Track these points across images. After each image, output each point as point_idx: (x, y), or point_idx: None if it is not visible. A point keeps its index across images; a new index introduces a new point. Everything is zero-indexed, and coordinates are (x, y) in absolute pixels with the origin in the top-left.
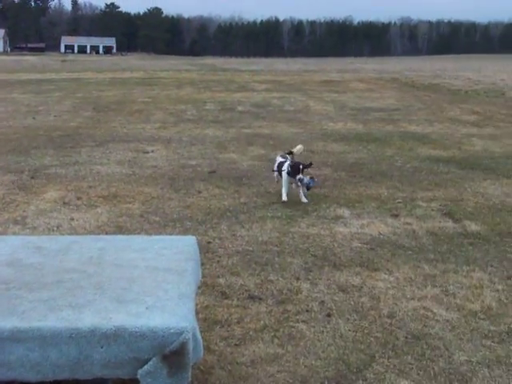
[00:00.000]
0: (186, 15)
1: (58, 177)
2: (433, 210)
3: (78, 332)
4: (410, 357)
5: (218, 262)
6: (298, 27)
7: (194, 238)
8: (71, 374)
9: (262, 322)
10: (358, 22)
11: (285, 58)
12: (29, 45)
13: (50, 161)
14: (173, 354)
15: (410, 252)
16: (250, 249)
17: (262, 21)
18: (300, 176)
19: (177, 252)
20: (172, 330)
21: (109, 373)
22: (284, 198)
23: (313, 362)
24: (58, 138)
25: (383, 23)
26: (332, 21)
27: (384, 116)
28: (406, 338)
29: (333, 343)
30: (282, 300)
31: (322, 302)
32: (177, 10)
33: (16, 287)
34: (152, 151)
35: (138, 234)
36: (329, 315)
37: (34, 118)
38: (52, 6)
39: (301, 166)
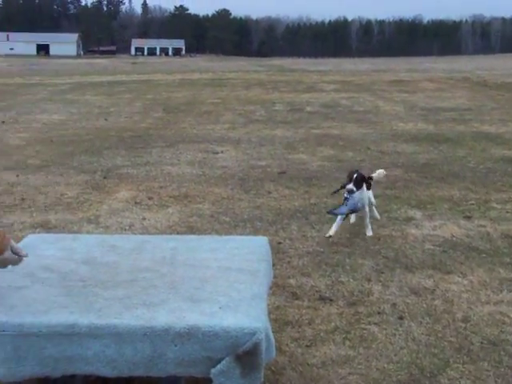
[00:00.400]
0: (254, 16)
1: (130, 177)
2: (508, 212)
3: (152, 330)
4: (486, 363)
5: (289, 262)
6: (366, 27)
7: (265, 238)
8: (146, 371)
9: (333, 323)
10: (428, 21)
11: (353, 58)
12: (100, 48)
13: (122, 161)
14: (246, 354)
15: (484, 255)
16: (321, 250)
17: (330, 21)
18: (352, 187)
19: (249, 252)
20: (245, 330)
21: (182, 371)
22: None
23: (385, 365)
24: (129, 139)
25: (454, 21)
26: (401, 20)
27: (455, 116)
28: (482, 343)
29: (405, 346)
30: (353, 302)
31: (394, 304)
32: (245, 11)
33: (92, 285)
34: (222, 152)
35: (209, 234)
36: (401, 318)
37: (105, 120)
38: (123, 10)
39: (363, 176)
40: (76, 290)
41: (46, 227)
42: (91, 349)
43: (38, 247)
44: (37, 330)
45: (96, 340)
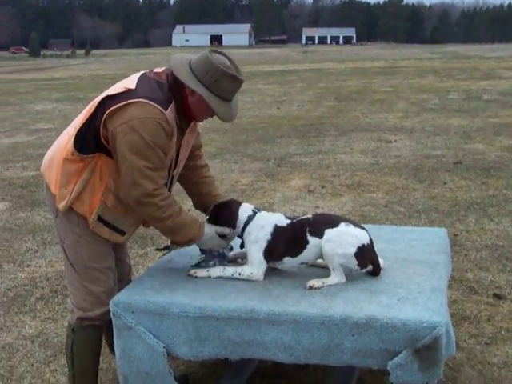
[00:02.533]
0: (427, 2)
1: (303, 165)
2: None
3: (329, 319)
4: None
5: (466, 255)
6: None
7: (444, 230)
8: (322, 360)
9: None
10: None
11: None
12: (272, 37)
13: (295, 149)
14: (425, 349)
15: None
16: (500, 244)
17: (509, 4)
18: None
19: (427, 244)
20: (424, 324)
21: (359, 361)
22: None
23: None
24: (301, 128)
25: None
26: None
27: None
28: None
29: None
30: None
31: None
32: None
33: (269, 272)
34: (395, 141)
35: (383, 223)
36: None
37: (278, 108)
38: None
39: None
40: None
41: None
42: (269, 335)
43: None
44: (216, 313)
45: (274, 326)
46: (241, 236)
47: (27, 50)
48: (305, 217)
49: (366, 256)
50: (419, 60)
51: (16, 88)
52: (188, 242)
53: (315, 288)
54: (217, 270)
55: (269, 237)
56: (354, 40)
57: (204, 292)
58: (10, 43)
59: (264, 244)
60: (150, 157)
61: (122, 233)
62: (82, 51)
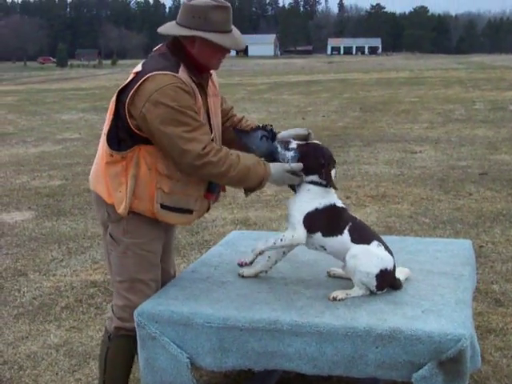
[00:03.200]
0: (453, 12)
1: None
2: None
3: (353, 331)
4: None
5: (492, 267)
6: None
7: (469, 241)
8: (346, 371)
9: None
10: None
11: None
12: (297, 48)
13: None
14: (450, 361)
15: None
16: None
17: None
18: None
19: (452, 255)
20: (449, 336)
21: (383, 374)
22: None
23: None
24: (326, 138)
25: None
26: None
27: None
28: None
29: None
30: None
31: None
32: (443, 7)
33: (293, 283)
34: (420, 151)
35: (408, 235)
36: None
37: (303, 119)
38: (319, 10)
39: None
40: (278, 288)
41: (246, 224)
42: (292, 346)
43: (241, 244)
44: (240, 324)
45: (297, 337)
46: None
47: (55, 60)
48: (353, 215)
49: (386, 280)
50: (445, 70)
51: (43, 98)
52: (260, 185)
53: (339, 299)
54: (260, 245)
55: (320, 206)
56: (380, 50)
57: (228, 303)
58: (38, 53)
59: (310, 209)
60: (183, 121)
61: (190, 211)
62: (109, 61)
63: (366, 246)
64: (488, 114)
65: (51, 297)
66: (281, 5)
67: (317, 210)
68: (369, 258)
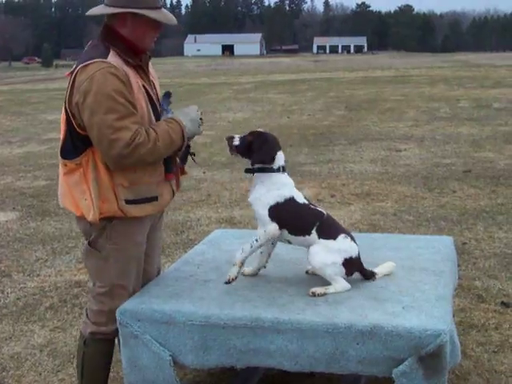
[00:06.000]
0: (438, 11)
1: (312, 174)
2: None
3: (334, 327)
4: None
5: (474, 263)
6: None
7: (450, 238)
8: (327, 368)
9: None
10: None
11: None
12: (283, 47)
13: (305, 158)
14: (429, 356)
15: None
16: (509, 252)
17: None
18: None
19: (433, 252)
20: (429, 332)
21: (363, 369)
22: None
23: None
24: (311, 137)
25: None
26: None
27: None
28: None
29: None
30: None
31: None
32: (428, 6)
33: (276, 280)
34: (405, 149)
35: (392, 232)
36: None
37: (288, 117)
38: (305, 9)
39: None
40: (260, 285)
41: (231, 222)
42: (274, 343)
43: (224, 242)
44: (222, 321)
45: (279, 334)
46: (253, 171)
47: (40, 60)
48: (320, 210)
49: (353, 266)
50: (430, 69)
51: (28, 98)
52: (183, 139)
53: (318, 295)
54: (238, 256)
55: (280, 201)
56: (365, 49)
57: (210, 300)
58: (23, 54)
59: (272, 203)
60: (113, 107)
61: (156, 198)
62: None
63: (323, 242)
64: (472, 112)
65: (35, 297)
66: (266, 4)
67: (278, 204)
68: (329, 251)
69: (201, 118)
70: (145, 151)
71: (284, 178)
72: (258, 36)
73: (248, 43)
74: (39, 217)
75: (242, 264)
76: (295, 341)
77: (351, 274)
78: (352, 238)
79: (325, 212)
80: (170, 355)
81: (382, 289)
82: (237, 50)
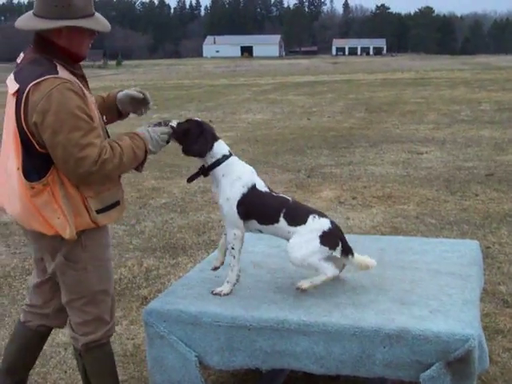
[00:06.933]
0: (458, 13)
1: (333, 176)
2: None
3: (361, 330)
4: None
5: (499, 268)
6: None
7: (476, 242)
8: (353, 371)
9: None
10: None
11: None
12: (302, 48)
13: (325, 160)
14: (457, 362)
15: None
16: None
17: None
18: None
19: (459, 256)
20: (457, 337)
21: (390, 373)
22: None
23: None
24: (332, 139)
25: None
26: None
27: None
28: None
29: None
30: None
31: None
32: (449, 8)
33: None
34: (426, 152)
35: (414, 235)
36: None
37: (308, 119)
38: (324, 11)
39: None
40: (285, 287)
41: None
42: (300, 345)
43: (249, 244)
44: (248, 323)
45: (305, 337)
46: (206, 170)
47: None
48: (284, 196)
49: (332, 238)
50: (450, 71)
51: None
52: (146, 154)
53: (304, 289)
54: (232, 275)
55: (245, 191)
56: (385, 51)
57: (236, 302)
58: None
59: (238, 198)
60: (76, 125)
61: (118, 203)
62: (114, 62)
63: (295, 232)
64: (494, 115)
65: None
66: (286, 5)
67: (244, 195)
68: (303, 241)
69: (167, 141)
70: (111, 167)
71: (241, 164)
72: (276, 37)
73: (267, 45)
74: None
75: (239, 276)
76: (321, 343)
77: (335, 246)
78: (321, 215)
79: (290, 198)
80: (196, 356)
81: (408, 292)
82: (256, 52)
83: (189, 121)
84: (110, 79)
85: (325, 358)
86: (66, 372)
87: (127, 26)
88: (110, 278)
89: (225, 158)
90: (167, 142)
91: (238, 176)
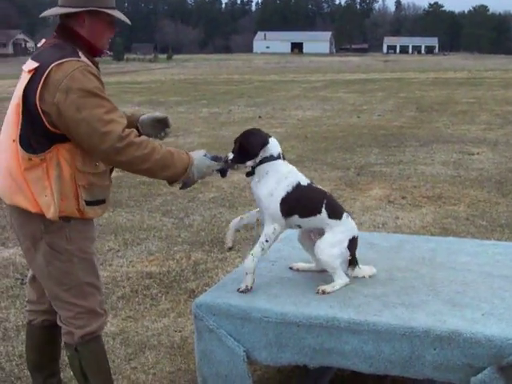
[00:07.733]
0: None
1: (383, 175)
2: None
3: (411, 331)
4: None
5: None
6: None
7: None
8: (402, 372)
9: None
10: None
11: None
12: (353, 46)
13: (375, 159)
14: (511, 367)
15: None
16: None
17: None
18: None
19: None
20: (510, 341)
21: (439, 376)
22: None
23: None
24: (382, 137)
25: None
26: None
27: None
28: None
29: None
30: None
31: None
32: (504, 6)
33: (351, 281)
34: (477, 153)
35: (464, 237)
36: None
37: (358, 117)
38: (376, 8)
39: None
40: None
41: None
42: (349, 343)
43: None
44: (298, 320)
45: (354, 335)
46: (253, 166)
47: (111, 53)
48: (320, 188)
49: (355, 245)
50: (504, 71)
51: None
52: (184, 172)
53: (327, 293)
54: (249, 264)
55: (289, 190)
56: (436, 50)
57: (285, 298)
58: None
59: (283, 195)
60: (99, 103)
61: (104, 201)
62: (164, 56)
63: (326, 237)
64: None
65: (108, 286)
66: (337, 2)
67: (288, 193)
68: (335, 241)
69: (222, 176)
70: (138, 154)
71: (286, 165)
72: (327, 34)
73: (317, 41)
74: (111, 207)
75: (254, 271)
76: (371, 342)
77: (352, 255)
78: (349, 214)
79: (325, 190)
80: (244, 351)
81: (459, 294)
82: (306, 48)
83: (236, 139)
84: (160, 73)
85: (374, 358)
86: (114, 361)
87: (178, 21)
88: (96, 271)
89: (272, 158)
90: (222, 176)
91: (284, 175)
